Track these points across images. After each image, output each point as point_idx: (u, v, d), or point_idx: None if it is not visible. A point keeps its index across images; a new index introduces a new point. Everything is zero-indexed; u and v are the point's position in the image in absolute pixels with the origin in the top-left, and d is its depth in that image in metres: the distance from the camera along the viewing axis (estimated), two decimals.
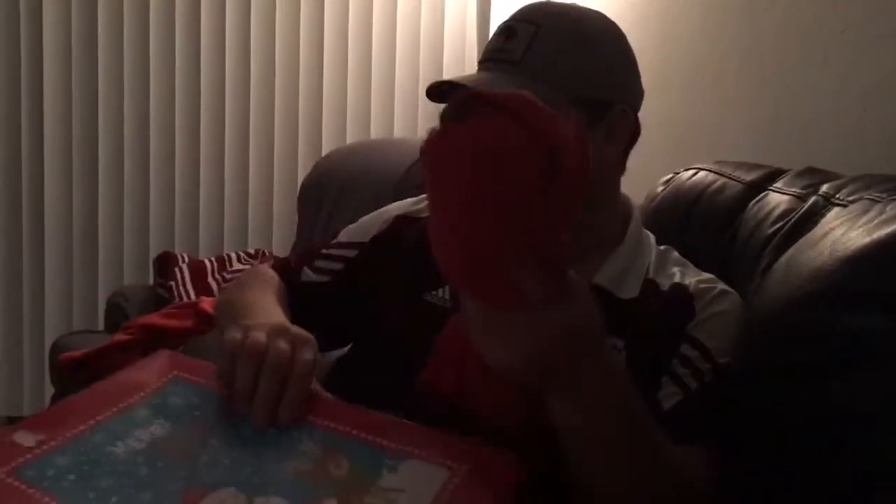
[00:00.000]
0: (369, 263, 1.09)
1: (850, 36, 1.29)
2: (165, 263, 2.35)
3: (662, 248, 1.06)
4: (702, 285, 0.98)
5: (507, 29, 0.98)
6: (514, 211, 0.61)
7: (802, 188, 1.05)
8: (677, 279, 1.00)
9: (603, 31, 1.01)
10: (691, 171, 1.26)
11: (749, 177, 1.16)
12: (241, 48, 2.65)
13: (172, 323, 1.94)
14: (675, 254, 1.06)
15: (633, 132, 1.01)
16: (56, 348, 2.08)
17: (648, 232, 1.08)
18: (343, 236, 1.15)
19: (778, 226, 1.02)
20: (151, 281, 2.43)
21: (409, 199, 1.15)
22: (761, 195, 1.11)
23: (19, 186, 2.70)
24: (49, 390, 2.23)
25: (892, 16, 1.23)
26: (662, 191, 1.27)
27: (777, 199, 1.07)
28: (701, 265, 1.05)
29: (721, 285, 1.00)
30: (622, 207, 1.06)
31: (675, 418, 0.86)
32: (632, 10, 2.06)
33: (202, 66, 2.65)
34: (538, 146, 0.60)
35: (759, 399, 0.87)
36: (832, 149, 1.30)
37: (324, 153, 2.57)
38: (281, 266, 1.17)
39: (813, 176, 1.06)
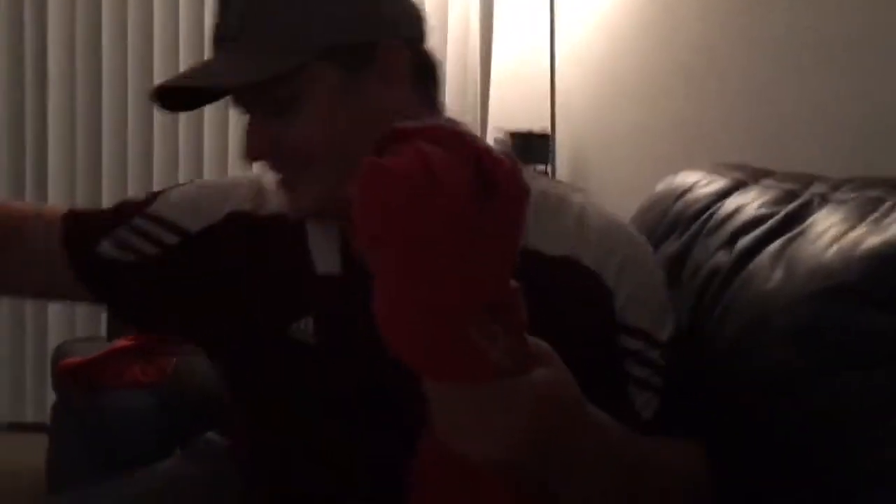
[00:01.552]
0: (198, 262, 0.92)
1: (854, 38, 1.29)
2: None
3: (533, 194, 0.88)
4: (604, 256, 0.84)
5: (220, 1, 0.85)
6: (451, 247, 0.56)
7: (792, 183, 1.04)
8: (566, 248, 0.84)
9: None
10: (688, 172, 1.26)
11: (740, 174, 1.15)
12: None
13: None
14: (551, 196, 0.88)
15: (421, 64, 0.87)
16: (58, 355, 2.08)
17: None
18: (164, 209, 0.94)
19: (763, 212, 1.00)
20: None
21: (240, 185, 0.96)
22: (746, 188, 1.09)
23: (23, 192, 2.71)
24: (52, 397, 2.22)
25: None
26: (657, 191, 1.27)
27: (762, 192, 1.06)
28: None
29: (620, 241, 0.86)
30: None
31: (659, 422, 0.83)
32: (636, 11, 2.06)
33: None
34: (467, 170, 0.56)
35: (761, 399, 0.86)
36: (836, 154, 1.29)
37: None
38: (73, 217, 0.96)
39: (804, 176, 1.05)
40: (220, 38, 0.84)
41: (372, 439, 0.83)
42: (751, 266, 0.96)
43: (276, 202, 0.91)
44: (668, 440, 0.82)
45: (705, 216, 1.10)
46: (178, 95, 0.88)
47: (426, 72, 0.88)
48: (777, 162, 1.19)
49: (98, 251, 0.93)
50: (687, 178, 1.22)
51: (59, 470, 2.09)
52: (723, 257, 1.02)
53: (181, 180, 2.67)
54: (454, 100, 2.63)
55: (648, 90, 1.99)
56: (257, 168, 0.92)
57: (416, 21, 0.88)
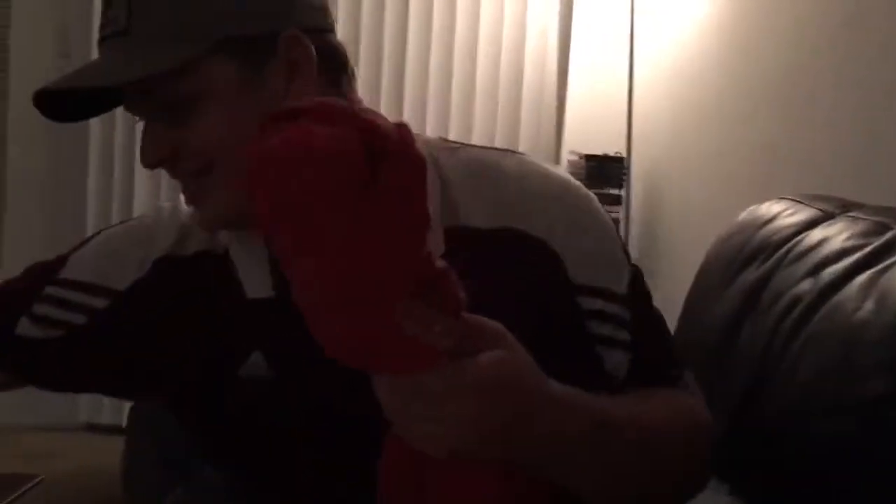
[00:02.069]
0: (133, 320, 0.85)
1: None
2: None
3: (458, 166, 0.81)
4: (541, 219, 0.79)
5: None
6: (345, 224, 0.54)
7: (882, 216, 1.02)
8: (501, 219, 0.79)
9: None
10: (773, 201, 1.24)
11: (828, 206, 1.13)
12: None
13: None
14: (478, 164, 0.82)
15: (328, 55, 0.79)
16: None
17: (427, 147, 0.82)
18: (79, 272, 0.87)
19: (851, 244, 0.99)
20: None
21: (158, 227, 0.88)
22: (833, 221, 1.08)
23: (110, 205, 2.81)
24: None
25: None
26: (741, 219, 1.26)
27: (850, 224, 1.04)
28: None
29: (547, 195, 0.80)
30: None
31: (636, 377, 0.79)
32: (719, 34, 2.04)
33: None
34: (354, 144, 0.54)
35: (851, 429, 0.84)
36: None
37: None
38: None
39: (893, 211, 1.03)
40: (105, 35, 0.76)
41: (351, 455, 0.78)
42: (836, 297, 0.94)
43: (197, 240, 0.85)
44: (651, 395, 0.78)
45: (789, 245, 1.09)
46: (69, 100, 0.79)
47: (334, 63, 0.80)
48: (864, 194, 1.17)
49: (18, 334, 0.86)
50: (772, 207, 1.21)
51: (134, 473, 2.15)
52: (806, 286, 1.01)
53: None
54: (530, 120, 2.64)
55: (729, 116, 1.97)
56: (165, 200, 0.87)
57: (319, 11, 0.81)
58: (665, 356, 0.83)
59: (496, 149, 0.87)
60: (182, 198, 0.83)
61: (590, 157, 2.37)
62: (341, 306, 0.56)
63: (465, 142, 0.91)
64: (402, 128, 0.57)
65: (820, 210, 1.12)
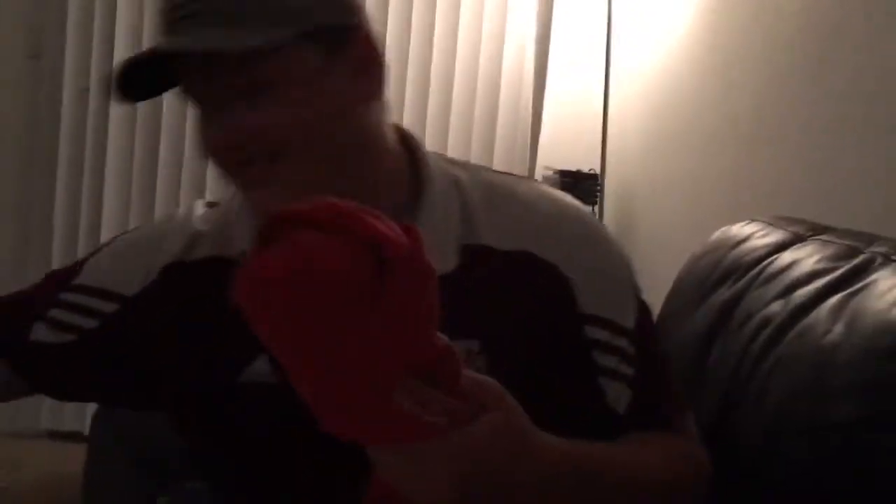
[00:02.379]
0: (141, 325, 0.86)
1: None
2: None
3: (479, 187, 0.84)
4: (557, 244, 0.81)
5: None
6: (363, 329, 0.53)
7: (853, 240, 1.03)
8: (520, 241, 0.80)
9: None
10: (745, 222, 1.25)
11: (799, 228, 1.14)
12: None
13: None
14: (499, 187, 0.84)
15: (378, 56, 0.80)
16: None
17: (448, 164, 0.86)
18: (92, 278, 0.89)
19: (822, 266, 1.00)
20: None
21: (169, 233, 0.90)
22: (804, 243, 1.09)
23: (78, 207, 2.78)
24: (91, 407, 2.26)
25: None
26: (712, 240, 1.27)
27: (821, 246, 1.05)
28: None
29: (569, 223, 0.82)
30: (396, 153, 0.84)
31: (635, 415, 0.80)
32: (694, 58, 2.07)
33: None
34: (358, 249, 0.53)
35: (817, 452, 0.85)
36: None
37: None
38: (4, 307, 0.91)
39: (864, 234, 1.05)
40: (194, 12, 0.74)
41: (351, 463, 0.76)
42: (807, 319, 0.95)
43: (208, 245, 0.86)
44: (649, 441, 0.79)
45: (760, 266, 1.10)
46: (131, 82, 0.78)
47: (380, 67, 0.81)
48: (835, 219, 1.19)
49: (32, 339, 0.87)
50: (744, 228, 1.22)
51: (97, 479, 2.12)
52: (776, 308, 1.02)
53: None
54: (505, 135, 2.66)
55: (703, 138, 1.99)
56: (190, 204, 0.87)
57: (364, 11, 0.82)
58: (667, 397, 0.83)
59: (512, 175, 0.89)
60: (198, 204, 0.86)
61: (564, 173, 2.38)
62: (341, 399, 0.56)
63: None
64: (410, 232, 0.56)
65: (791, 232, 1.13)
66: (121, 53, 2.73)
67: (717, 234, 1.28)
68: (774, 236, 1.14)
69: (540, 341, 0.77)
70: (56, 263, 2.74)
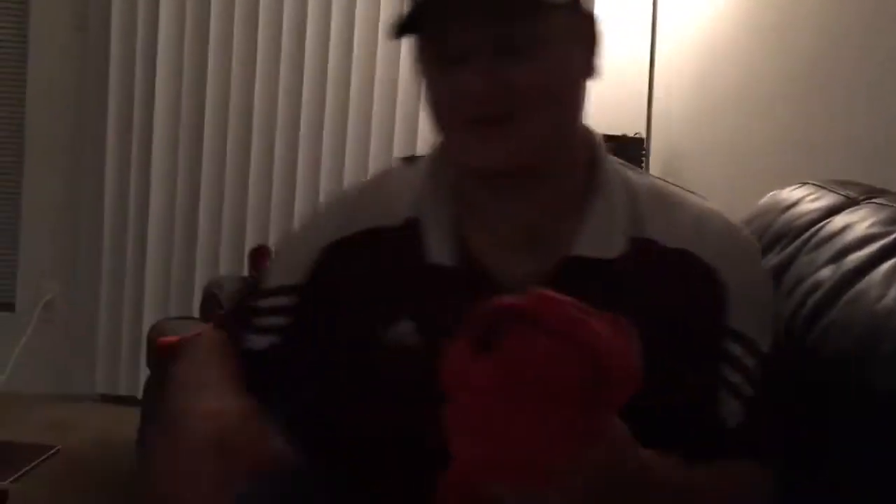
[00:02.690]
0: (314, 307, 0.92)
1: None
2: (260, 256, 2.41)
3: (647, 184, 0.89)
4: (723, 252, 0.84)
5: None
6: (557, 423, 0.59)
7: None
8: (684, 240, 0.84)
9: None
10: (795, 186, 1.23)
11: (852, 192, 1.11)
12: (343, 54, 2.71)
13: None
14: (671, 192, 0.90)
15: (601, 36, 0.87)
16: (153, 332, 2.16)
17: (620, 165, 0.92)
18: (272, 280, 0.96)
19: (874, 231, 0.97)
20: (246, 272, 2.50)
21: (322, 218, 0.97)
22: (857, 207, 1.06)
23: (128, 180, 2.82)
24: (144, 372, 2.31)
25: None
26: (762, 204, 1.24)
27: (874, 210, 1.02)
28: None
29: (739, 241, 0.87)
30: (583, 140, 0.89)
31: (740, 434, 0.83)
32: (743, 18, 2.02)
33: (305, 70, 2.73)
34: (581, 361, 0.58)
35: (867, 417, 0.84)
36: None
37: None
38: (224, 326, 0.99)
39: None
40: None
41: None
42: (860, 284, 0.93)
43: (365, 218, 0.91)
44: (733, 475, 0.82)
45: (811, 231, 1.08)
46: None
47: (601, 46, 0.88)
48: (888, 181, 1.16)
49: (249, 347, 0.94)
50: (794, 192, 1.19)
51: (150, 441, 2.17)
52: (827, 273, 1.00)
53: (278, 180, 2.76)
54: None
55: (750, 100, 1.95)
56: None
57: None
58: (771, 430, 0.85)
59: (682, 187, 0.93)
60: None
61: (609, 138, 2.33)
62: (518, 458, 0.60)
63: None
64: (618, 329, 0.59)
65: (843, 196, 1.11)
66: (165, 25, 2.75)
67: (766, 199, 1.25)
68: (826, 200, 1.11)
69: (684, 336, 0.81)
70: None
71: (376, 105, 2.73)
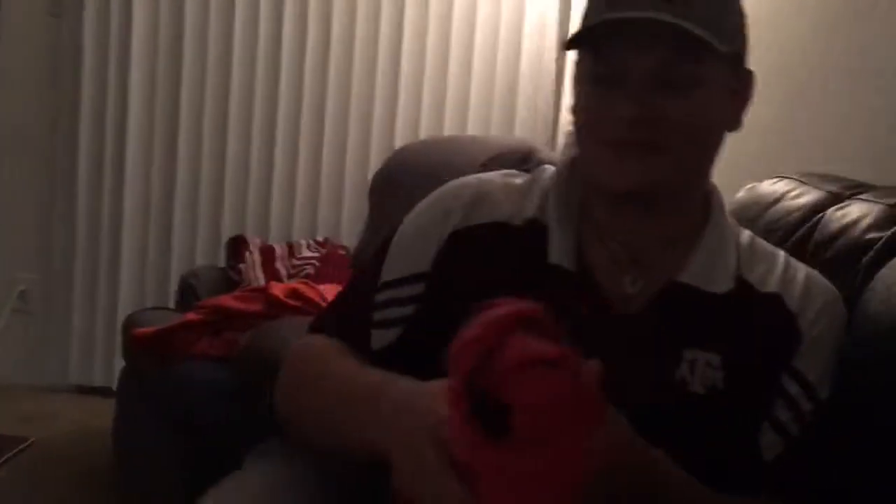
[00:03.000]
0: (441, 295, 0.95)
1: None
2: (237, 247, 2.40)
3: (746, 235, 0.97)
4: (805, 298, 0.92)
5: None
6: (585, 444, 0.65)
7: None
8: (774, 285, 0.92)
9: None
10: (773, 180, 1.23)
11: (833, 187, 1.12)
12: (321, 42, 2.69)
13: (242, 306, 1.98)
14: (762, 243, 0.98)
15: (752, 90, 0.94)
16: (128, 323, 2.14)
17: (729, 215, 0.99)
18: (394, 272, 0.97)
19: (873, 236, 0.98)
20: (223, 263, 2.48)
21: (448, 208, 0.98)
22: (844, 203, 1.07)
23: (102, 170, 2.78)
24: (119, 363, 2.29)
25: None
26: (740, 198, 1.25)
27: (864, 207, 1.03)
28: None
29: (822, 291, 0.93)
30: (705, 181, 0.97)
31: (775, 469, 0.86)
32: None
33: (283, 58, 2.70)
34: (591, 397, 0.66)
35: (851, 425, 0.85)
36: None
37: (396, 147, 2.59)
38: (336, 329, 0.98)
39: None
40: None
41: None
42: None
43: (488, 210, 0.95)
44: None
45: (803, 231, 1.08)
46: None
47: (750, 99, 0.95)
48: (872, 179, 1.17)
49: (375, 350, 0.95)
50: (774, 186, 1.20)
51: (126, 432, 2.16)
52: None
53: (255, 169, 2.73)
54: (528, 90, 2.62)
55: None
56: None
57: None
58: (804, 474, 0.88)
59: (770, 245, 1.00)
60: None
61: None
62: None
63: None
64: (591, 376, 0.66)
65: (827, 192, 1.11)
66: (139, 12, 2.71)
67: (744, 193, 1.26)
68: (810, 196, 1.12)
69: (751, 371, 0.88)
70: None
71: (354, 99, 2.71)
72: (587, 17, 0.89)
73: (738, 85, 0.91)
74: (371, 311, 0.95)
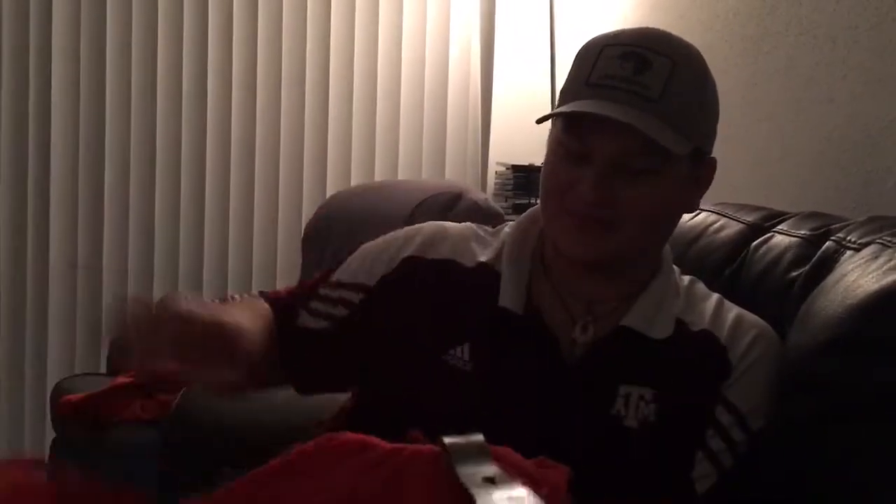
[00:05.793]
0: (377, 310, 1.01)
1: (854, 78, 1.30)
2: None
3: (687, 279, 1.03)
4: (735, 332, 0.96)
5: (638, 58, 0.88)
6: None
7: (811, 230, 1.04)
8: (706, 323, 0.98)
9: (707, 69, 0.95)
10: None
11: (750, 217, 1.15)
12: (247, 90, 2.67)
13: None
14: (701, 286, 1.03)
15: (711, 180, 1.00)
16: (58, 391, 2.07)
17: (673, 265, 1.05)
18: (343, 275, 1.05)
19: (795, 273, 1.01)
20: None
21: (410, 236, 1.05)
22: (765, 236, 1.09)
23: (25, 229, 2.71)
24: (50, 434, 2.21)
25: (894, 58, 1.23)
26: None
27: (784, 241, 1.06)
28: None
29: (753, 326, 0.98)
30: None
31: (709, 501, 0.88)
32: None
33: (208, 106, 2.66)
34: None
35: (771, 452, 0.86)
36: (836, 192, 1.29)
37: (328, 195, 2.57)
38: (274, 301, 1.05)
39: (818, 219, 1.05)
40: (630, 90, 0.88)
41: None
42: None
43: (447, 248, 1.01)
44: None
45: (729, 272, 1.10)
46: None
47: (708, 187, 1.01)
48: (780, 205, 1.19)
49: (298, 323, 1.02)
50: (694, 220, 1.22)
51: None
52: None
53: (185, 225, 2.68)
54: (456, 133, 2.64)
55: None
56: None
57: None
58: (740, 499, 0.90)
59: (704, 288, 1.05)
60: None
61: (517, 168, 2.38)
62: None
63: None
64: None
65: (746, 224, 1.13)
66: (59, 15, 2.64)
67: None
68: (731, 229, 1.14)
69: (680, 398, 0.92)
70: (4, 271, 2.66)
71: (283, 147, 2.69)
72: (567, 88, 0.94)
73: (700, 173, 0.96)
74: (310, 299, 1.04)
